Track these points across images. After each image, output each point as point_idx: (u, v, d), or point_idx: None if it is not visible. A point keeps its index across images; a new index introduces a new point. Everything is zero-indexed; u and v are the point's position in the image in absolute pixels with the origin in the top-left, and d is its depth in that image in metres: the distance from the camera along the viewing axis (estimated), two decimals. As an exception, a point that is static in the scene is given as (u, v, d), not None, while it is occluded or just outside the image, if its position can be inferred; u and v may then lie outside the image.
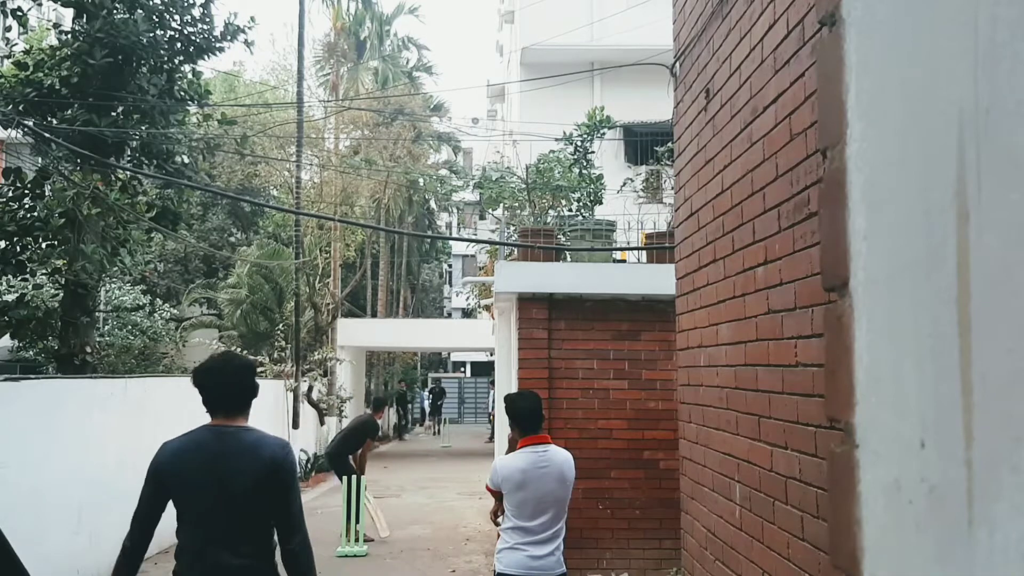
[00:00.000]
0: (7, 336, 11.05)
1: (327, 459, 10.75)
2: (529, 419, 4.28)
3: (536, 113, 17.54)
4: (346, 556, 9.13)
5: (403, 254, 28.50)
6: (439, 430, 28.12)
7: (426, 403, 32.60)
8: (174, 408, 9.98)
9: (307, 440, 16.47)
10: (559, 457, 4.25)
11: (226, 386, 3.22)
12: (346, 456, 10.33)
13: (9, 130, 10.78)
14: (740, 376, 3.50)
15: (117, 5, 10.34)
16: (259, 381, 3.42)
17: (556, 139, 13.05)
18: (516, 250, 9.01)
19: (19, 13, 10.14)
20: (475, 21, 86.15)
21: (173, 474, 3.13)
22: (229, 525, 3.09)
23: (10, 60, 11.20)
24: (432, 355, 36.38)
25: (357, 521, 9.49)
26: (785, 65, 2.99)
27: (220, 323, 19.65)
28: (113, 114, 10.68)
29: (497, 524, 4.45)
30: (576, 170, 12.16)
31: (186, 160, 12.11)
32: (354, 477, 9.74)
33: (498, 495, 4.38)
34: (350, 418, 19.39)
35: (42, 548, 6.59)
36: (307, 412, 16.29)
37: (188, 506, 3.14)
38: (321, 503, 13.18)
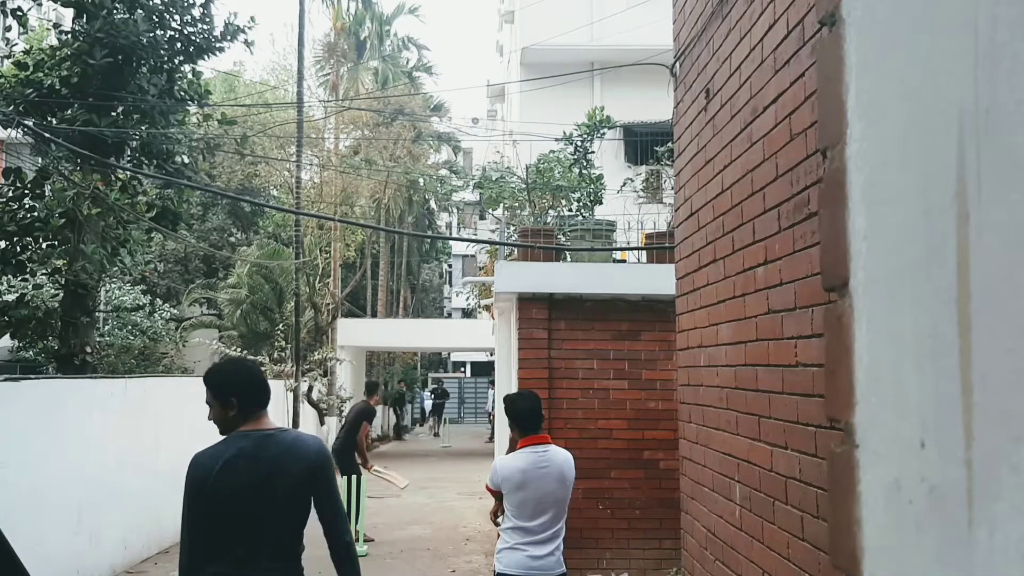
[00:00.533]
0: (7, 336, 11.05)
1: (334, 456, 10.67)
2: (529, 419, 4.28)
3: (536, 113, 17.54)
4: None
5: (403, 254, 28.50)
6: (439, 431, 27.98)
7: (427, 403, 32.57)
8: (174, 408, 9.99)
9: (307, 440, 16.47)
10: (559, 457, 4.25)
11: (257, 382, 3.16)
12: (352, 451, 10.26)
13: (9, 130, 10.77)
14: (740, 376, 3.50)
15: (117, 5, 10.34)
16: None
17: (556, 139, 13.04)
18: (516, 250, 9.01)
19: (19, 13, 10.15)
20: (475, 21, 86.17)
21: (218, 489, 2.93)
22: (278, 533, 3.00)
23: (10, 60, 11.20)
24: (432, 355, 36.38)
25: (356, 521, 9.50)
26: (785, 65, 2.99)
27: (220, 323, 19.65)
28: (113, 114, 10.68)
29: (497, 524, 4.45)
30: (576, 170, 12.16)
31: (186, 160, 12.11)
32: (355, 477, 9.75)
33: (498, 495, 4.38)
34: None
35: (42, 548, 6.59)
36: (307, 412, 16.29)
37: (235, 521, 2.94)
38: (321, 503, 13.19)
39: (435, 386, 32.34)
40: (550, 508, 4.18)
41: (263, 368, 15.70)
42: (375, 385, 11.88)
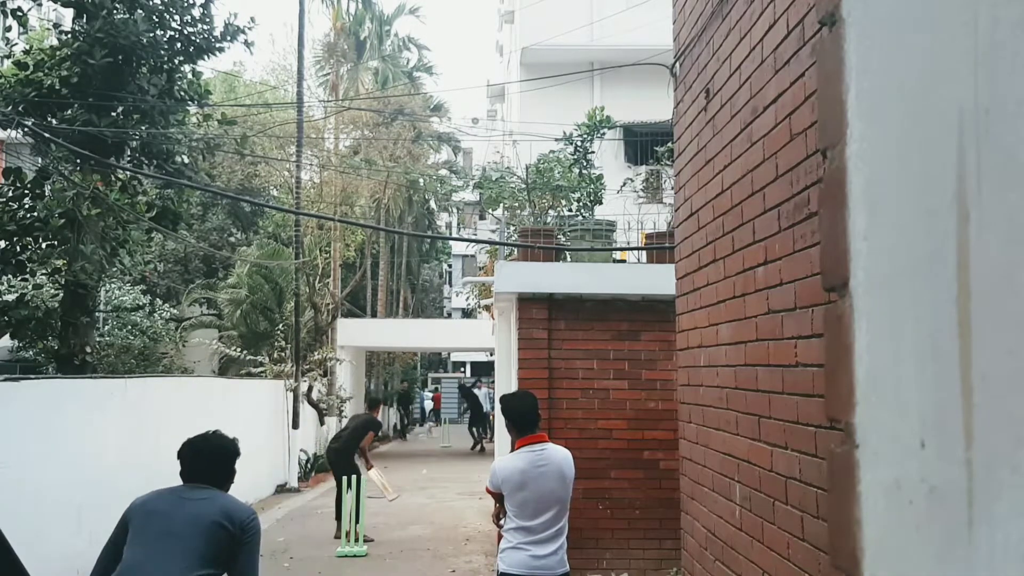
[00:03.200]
0: (7, 336, 11.05)
1: (334, 455, 10.65)
2: (524, 419, 4.28)
3: (536, 113, 17.53)
4: (346, 556, 9.13)
5: (403, 254, 28.49)
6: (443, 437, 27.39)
7: (427, 403, 32.54)
8: (174, 408, 9.99)
9: (307, 440, 16.48)
10: (558, 455, 4.25)
11: (201, 462, 3.43)
12: (353, 454, 10.40)
13: (9, 130, 10.77)
14: (740, 376, 3.50)
15: (117, 5, 10.34)
16: (236, 466, 3.57)
17: (556, 139, 13.04)
18: (516, 250, 9.01)
19: (19, 13, 10.14)
20: (475, 21, 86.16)
21: (136, 513, 3.28)
22: (177, 567, 3.14)
23: (10, 60, 11.19)
24: (432, 355, 36.38)
25: (357, 521, 9.50)
26: (785, 65, 2.99)
27: (220, 323, 19.64)
28: (113, 114, 10.68)
29: (500, 527, 4.45)
30: (576, 170, 12.16)
31: (186, 160, 12.10)
32: (355, 477, 9.76)
33: (498, 496, 4.38)
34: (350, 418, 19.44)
35: (42, 548, 6.58)
36: (307, 412, 16.29)
37: (141, 554, 3.19)
38: (321, 503, 13.18)
39: (434, 386, 32.17)
40: (551, 507, 4.18)
41: (262, 368, 15.77)
42: (378, 401, 12.20)
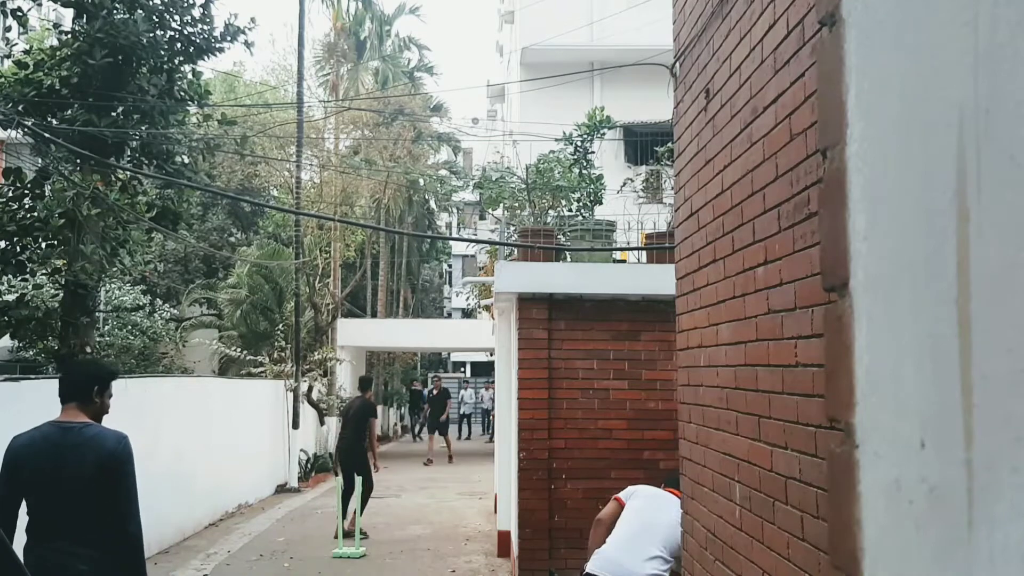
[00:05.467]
0: (7, 336, 11.05)
1: (343, 456, 10.57)
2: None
3: (536, 113, 17.53)
4: (344, 557, 9.13)
5: (403, 254, 28.49)
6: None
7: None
8: (174, 408, 9.99)
9: (307, 440, 16.48)
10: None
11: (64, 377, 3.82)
12: (362, 450, 10.47)
13: (9, 130, 10.77)
14: (740, 376, 3.50)
15: (117, 5, 10.34)
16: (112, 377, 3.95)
17: (556, 139, 13.03)
18: (516, 250, 9.01)
19: (19, 13, 10.14)
20: (475, 21, 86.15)
21: (20, 467, 3.51)
22: (71, 515, 3.44)
23: (10, 60, 11.19)
24: (432, 355, 36.37)
25: (360, 516, 9.60)
26: (785, 65, 2.99)
27: (220, 323, 19.64)
28: (113, 114, 10.68)
29: None
30: (576, 170, 12.15)
31: (186, 160, 12.09)
32: (359, 479, 9.82)
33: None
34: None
35: (42, 548, 6.58)
36: (307, 412, 16.29)
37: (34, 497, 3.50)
38: (321, 503, 13.19)
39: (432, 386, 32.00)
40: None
41: (262, 368, 15.76)
42: (370, 380, 11.93)
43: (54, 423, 3.64)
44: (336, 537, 9.72)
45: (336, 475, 10.56)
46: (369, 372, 25.40)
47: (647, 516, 4.71)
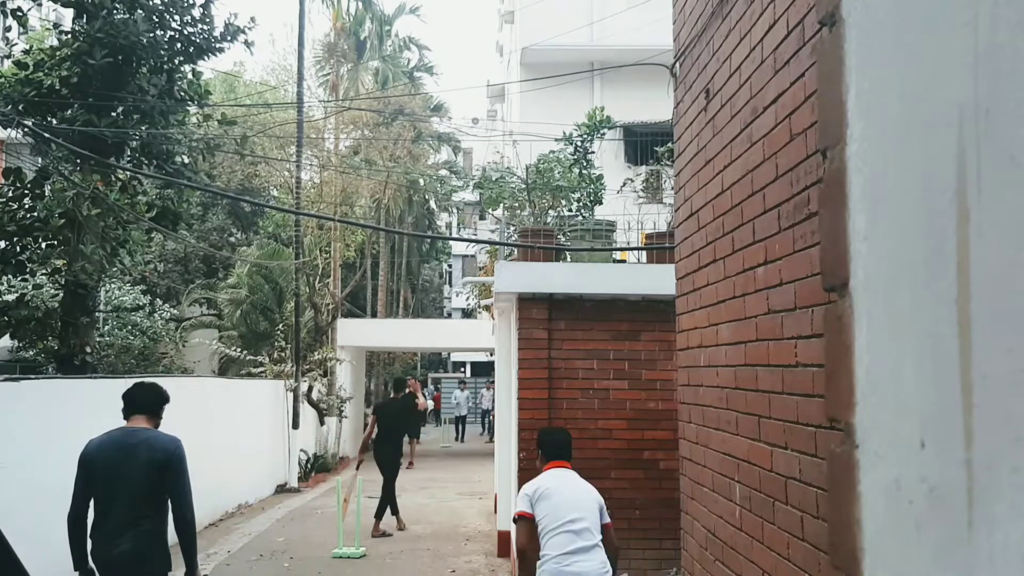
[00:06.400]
0: (7, 336, 11.05)
1: (387, 456, 10.81)
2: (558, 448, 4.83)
3: (536, 113, 17.53)
4: (344, 557, 9.13)
5: (403, 254, 28.49)
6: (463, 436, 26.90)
7: (429, 402, 32.42)
8: (174, 408, 9.96)
9: (307, 440, 16.47)
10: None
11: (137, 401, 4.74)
12: (402, 440, 11.33)
13: (9, 130, 10.77)
14: (740, 376, 3.50)
15: (117, 5, 10.34)
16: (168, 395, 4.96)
17: (556, 139, 13.03)
18: (516, 250, 9.01)
19: (19, 13, 10.14)
20: (475, 21, 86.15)
21: (94, 465, 4.50)
22: (131, 500, 4.38)
23: (10, 60, 11.19)
24: (432, 355, 36.37)
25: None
26: (785, 65, 2.99)
27: (220, 323, 19.64)
28: (113, 114, 10.68)
29: None
30: (576, 170, 12.15)
31: (186, 160, 12.10)
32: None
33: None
34: (350, 418, 19.42)
35: (42, 548, 6.58)
36: (307, 412, 16.28)
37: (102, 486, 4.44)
38: (321, 503, 13.19)
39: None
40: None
41: (262, 368, 15.76)
42: (404, 381, 12.40)
43: (122, 429, 4.58)
44: (399, 528, 10.63)
45: (357, 469, 10.93)
46: (369, 372, 25.42)
47: (569, 514, 4.52)
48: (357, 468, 10.79)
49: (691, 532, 4.44)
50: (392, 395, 11.77)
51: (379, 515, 10.36)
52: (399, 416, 11.09)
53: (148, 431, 4.56)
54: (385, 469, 10.63)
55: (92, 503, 4.42)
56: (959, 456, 0.76)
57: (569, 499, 4.60)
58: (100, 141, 10.30)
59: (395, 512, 10.73)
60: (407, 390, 11.87)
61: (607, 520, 4.72)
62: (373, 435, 10.92)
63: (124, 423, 4.64)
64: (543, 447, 5.00)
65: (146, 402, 4.70)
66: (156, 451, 4.44)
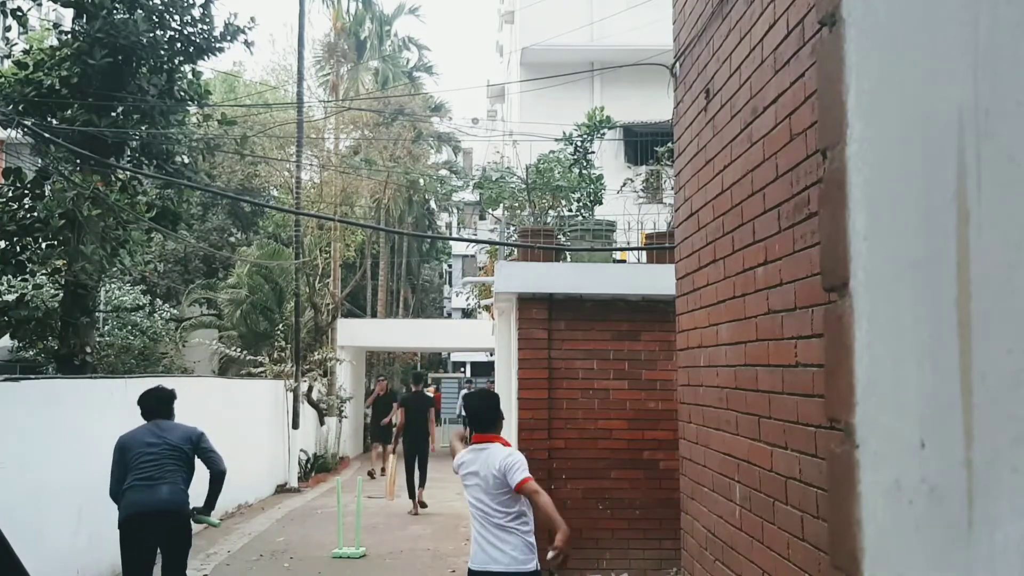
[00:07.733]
0: (7, 336, 11.05)
1: (417, 448, 12.57)
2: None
3: (536, 113, 17.53)
4: (344, 557, 9.12)
5: (403, 254, 28.49)
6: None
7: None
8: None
9: (307, 440, 16.46)
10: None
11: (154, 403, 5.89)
12: (426, 431, 12.85)
13: (9, 130, 10.77)
14: (740, 376, 3.50)
15: (117, 5, 10.34)
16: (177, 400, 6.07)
17: (556, 139, 13.03)
18: (516, 250, 9.01)
19: (19, 13, 10.14)
20: (475, 21, 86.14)
21: (128, 449, 5.53)
22: (168, 468, 5.52)
23: (10, 60, 11.19)
24: (432, 355, 36.36)
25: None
26: (785, 65, 2.99)
27: (220, 323, 19.63)
28: (113, 114, 10.68)
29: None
30: (576, 170, 12.15)
31: (186, 160, 12.09)
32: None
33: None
34: (350, 418, 19.43)
35: (42, 548, 6.58)
36: (307, 412, 16.28)
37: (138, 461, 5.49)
38: (321, 503, 13.19)
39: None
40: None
41: (262, 368, 15.76)
42: (423, 375, 14.22)
43: (149, 424, 5.71)
44: (417, 507, 12.08)
45: (375, 448, 13.01)
46: (369, 372, 25.42)
47: (476, 495, 4.33)
48: (393, 452, 13.47)
49: (691, 532, 4.44)
50: (413, 388, 13.56)
51: (422, 485, 12.29)
52: (422, 406, 12.93)
53: (174, 422, 5.80)
54: (419, 452, 12.41)
55: (129, 477, 5.41)
56: (959, 456, 0.76)
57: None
58: (100, 141, 10.30)
59: (412, 496, 12.24)
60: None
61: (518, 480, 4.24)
62: (403, 424, 12.70)
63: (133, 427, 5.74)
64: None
65: (160, 408, 5.79)
66: (188, 430, 5.72)
